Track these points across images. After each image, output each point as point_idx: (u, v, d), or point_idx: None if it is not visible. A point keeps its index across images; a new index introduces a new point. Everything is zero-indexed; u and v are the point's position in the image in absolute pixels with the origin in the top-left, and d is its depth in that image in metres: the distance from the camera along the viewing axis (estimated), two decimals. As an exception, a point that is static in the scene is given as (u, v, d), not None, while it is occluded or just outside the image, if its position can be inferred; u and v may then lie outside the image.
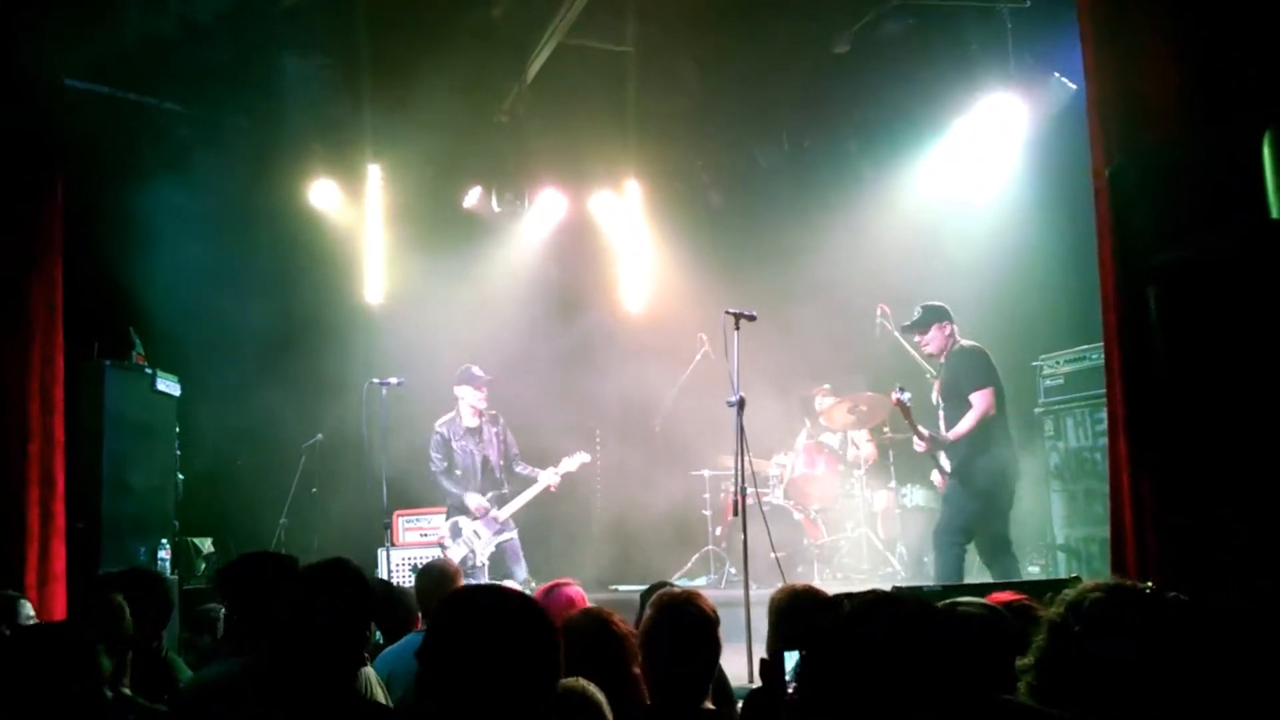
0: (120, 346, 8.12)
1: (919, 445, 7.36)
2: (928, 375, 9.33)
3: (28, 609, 5.03)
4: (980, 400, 7.12)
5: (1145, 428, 4.83)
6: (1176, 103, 4.82)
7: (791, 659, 2.69)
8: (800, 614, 3.59)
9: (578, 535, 10.94)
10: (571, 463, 9.09)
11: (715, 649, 3.17)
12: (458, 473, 9.03)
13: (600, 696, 2.72)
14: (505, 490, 9.08)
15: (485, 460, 9.09)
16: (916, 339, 7.66)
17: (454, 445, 9.07)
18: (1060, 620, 2.30)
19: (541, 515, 10.85)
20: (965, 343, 7.46)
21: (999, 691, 2.33)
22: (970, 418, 7.13)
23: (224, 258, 8.90)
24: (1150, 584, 2.30)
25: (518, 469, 9.23)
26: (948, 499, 7.38)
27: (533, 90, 9.65)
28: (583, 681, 2.76)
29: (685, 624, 3.14)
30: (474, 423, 9.17)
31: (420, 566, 5.45)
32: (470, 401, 9.11)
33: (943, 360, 7.49)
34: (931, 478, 8.01)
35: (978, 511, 7.11)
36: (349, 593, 2.91)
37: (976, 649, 2.56)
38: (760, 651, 3.80)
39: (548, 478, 9.03)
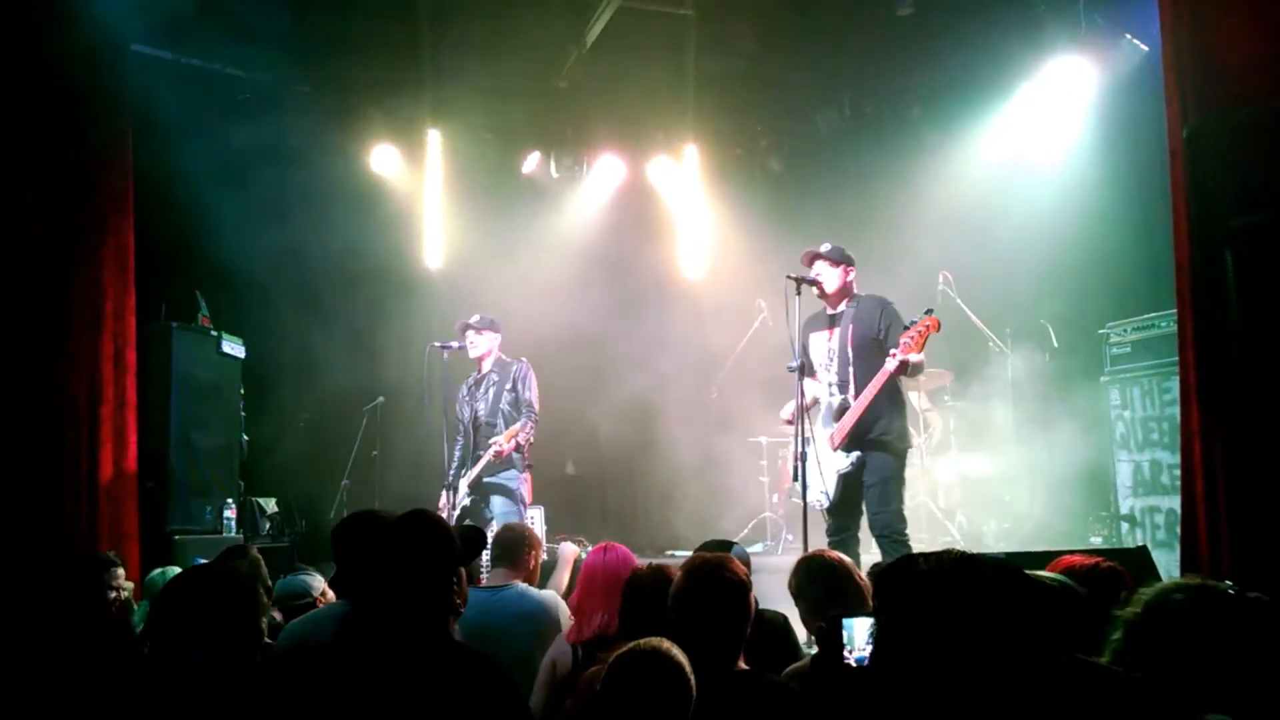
0: (187, 309, 8.25)
1: (893, 367, 6.00)
2: (990, 344, 9.23)
3: (122, 576, 5.13)
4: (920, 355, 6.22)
5: (1219, 396, 4.74)
6: (1256, 60, 4.70)
7: (850, 626, 2.67)
8: (816, 580, 3.60)
9: (632, 501, 10.98)
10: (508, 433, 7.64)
11: (746, 613, 3.15)
12: (459, 435, 7.95)
13: (682, 656, 2.70)
14: (481, 451, 7.72)
15: (475, 415, 7.87)
16: (817, 270, 6.48)
17: (461, 404, 7.99)
18: (1137, 621, 2.24)
19: (595, 481, 10.92)
20: (876, 295, 6.53)
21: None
22: (920, 360, 6.18)
23: (287, 222, 8.99)
24: (1231, 583, 2.22)
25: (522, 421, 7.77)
26: (885, 477, 6.21)
27: (592, 55, 9.61)
28: (666, 642, 2.74)
29: (716, 587, 3.12)
30: (479, 375, 8.02)
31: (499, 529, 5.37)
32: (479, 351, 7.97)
33: (840, 307, 6.49)
34: (784, 413, 6.52)
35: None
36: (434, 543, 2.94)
37: (1057, 616, 2.52)
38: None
39: (499, 443, 7.54)
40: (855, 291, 6.52)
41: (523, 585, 4.72)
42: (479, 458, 7.72)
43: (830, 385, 6.41)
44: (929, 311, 6.13)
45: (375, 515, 3.76)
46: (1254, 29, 4.78)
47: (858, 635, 2.52)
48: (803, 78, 10.25)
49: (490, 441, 7.55)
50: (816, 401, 6.51)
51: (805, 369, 6.47)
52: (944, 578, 1.85)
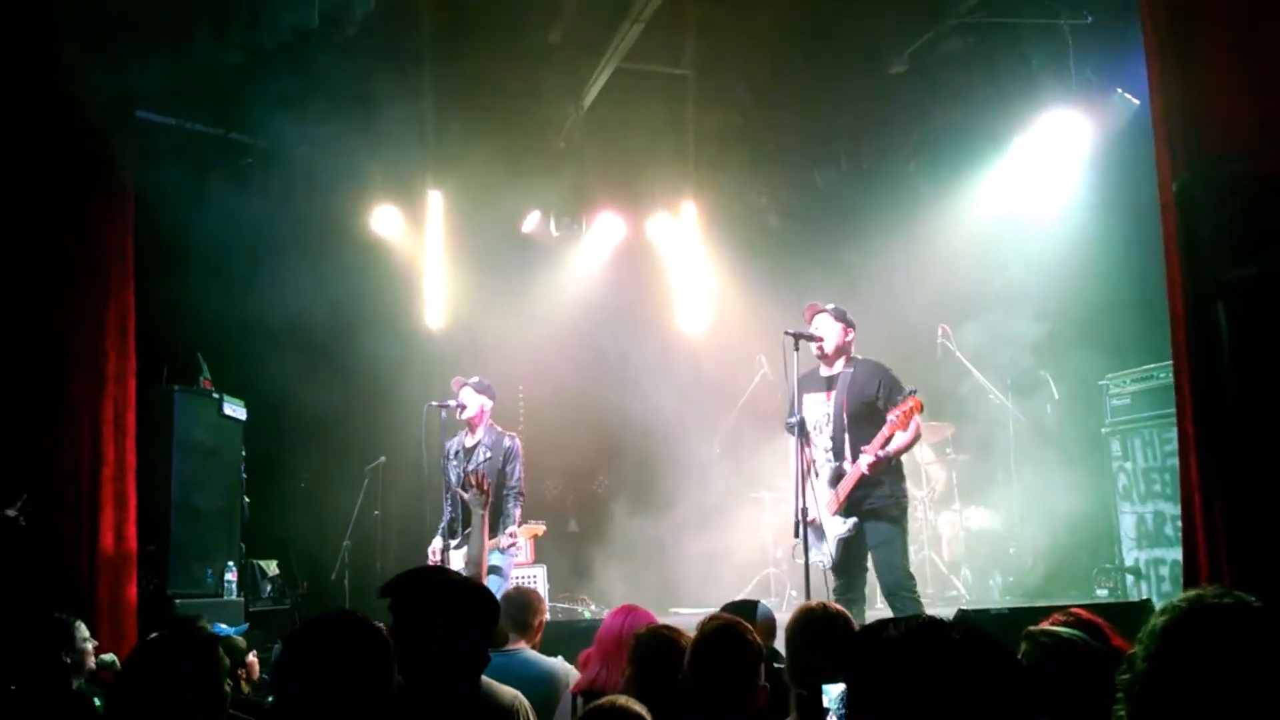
0: (188, 371, 8.28)
1: (865, 467, 6.09)
2: (991, 397, 9.23)
3: (83, 630, 5.07)
4: (916, 422, 6.27)
5: (1217, 447, 4.72)
6: (1245, 113, 4.73)
7: (829, 691, 2.65)
8: (815, 633, 3.58)
9: (634, 558, 10.91)
10: (526, 531, 7.67)
11: (755, 681, 3.16)
12: (447, 494, 7.86)
13: (643, 710, 2.73)
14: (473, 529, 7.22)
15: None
16: (818, 324, 6.46)
17: (449, 465, 7.88)
18: (1141, 652, 2.19)
19: (597, 538, 10.86)
20: (873, 359, 6.49)
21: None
22: (909, 436, 6.26)
23: (289, 284, 9.05)
24: (1229, 593, 2.15)
25: (507, 506, 7.58)
26: (888, 539, 6.18)
27: (590, 115, 9.73)
28: (624, 699, 2.79)
29: (734, 652, 3.13)
30: (470, 441, 7.82)
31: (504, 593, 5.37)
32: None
33: (836, 368, 6.46)
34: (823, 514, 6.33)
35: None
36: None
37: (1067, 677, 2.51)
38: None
39: (498, 540, 7.37)
40: (853, 354, 6.52)
41: (530, 651, 4.73)
42: (470, 535, 7.39)
43: (826, 450, 6.42)
44: (912, 391, 6.15)
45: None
46: (1241, 82, 4.82)
47: (837, 701, 2.50)
48: (800, 134, 10.36)
49: (505, 530, 7.43)
50: (814, 461, 6.50)
51: (802, 432, 6.44)
52: (913, 643, 1.84)
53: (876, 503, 6.21)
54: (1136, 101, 7.91)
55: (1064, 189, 8.89)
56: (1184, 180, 4.77)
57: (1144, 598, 7.46)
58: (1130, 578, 8.03)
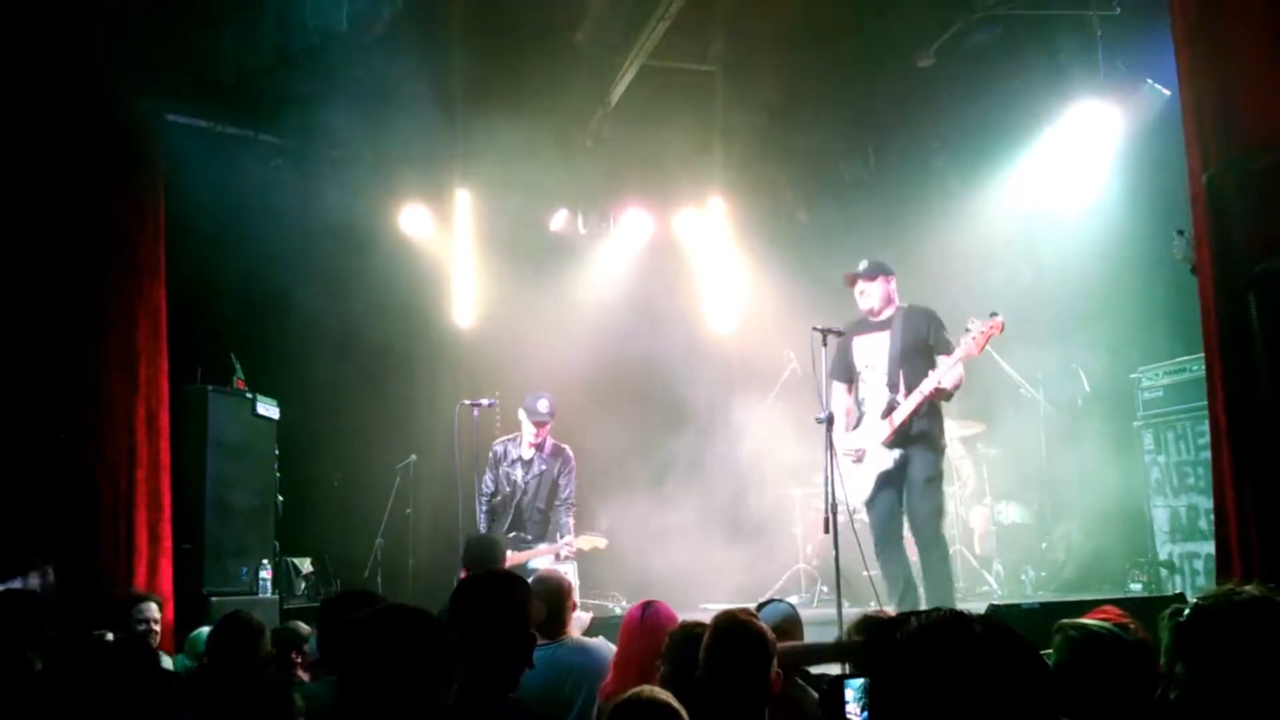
0: (221, 371, 8.36)
1: (935, 385, 6.51)
2: (1021, 390, 9.17)
3: (148, 611, 5.24)
4: (960, 373, 6.68)
5: (1249, 440, 4.69)
6: (1276, 106, 4.69)
7: (850, 684, 2.67)
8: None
9: (665, 555, 10.93)
10: (585, 541, 8.40)
11: (768, 671, 3.24)
12: (498, 499, 8.68)
13: (672, 700, 2.79)
14: (529, 535, 8.57)
15: (524, 495, 8.63)
16: (860, 287, 6.95)
17: (502, 468, 8.69)
18: (1175, 638, 2.20)
19: (627, 535, 10.90)
20: (921, 305, 6.96)
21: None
22: (956, 377, 6.61)
23: (319, 284, 9.13)
24: (1260, 586, 2.16)
25: (560, 517, 8.59)
26: (932, 471, 6.65)
27: (617, 112, 9.73)
28: (650, 688, 2.86)
29: (745, 645, 3.23)
30: (528, 454, 8.66)
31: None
32: (525, 433, 8.64)
33: (883, 315, 6.92)
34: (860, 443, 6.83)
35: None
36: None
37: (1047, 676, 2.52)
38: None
39: (556, 546, 8.34)
40: (897, 300, 6.93)
41: (575, 637, 4.73)
42: (524, 540, 8.43)
43: (881, 385, 6.78)
44: (994, 315, 6.53)
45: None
46: (1272, 73, 4.78)
47: (858, 693, 2.51)
48: (827, 129, 10.33)
49: (563, 539, 8.34)
50: (851, 414, 6.99)
51: (849, 377, 6.97)
52: (934, 637, 1.84)
53: (922, 431, 6.64)
54: (1167, 92, 7.84)
55: (1093, 181, 8.82)
56: (1214, 171, 4.74)
57: (1178, 592, 7.41)
58: (1164, 572, 7.98)
